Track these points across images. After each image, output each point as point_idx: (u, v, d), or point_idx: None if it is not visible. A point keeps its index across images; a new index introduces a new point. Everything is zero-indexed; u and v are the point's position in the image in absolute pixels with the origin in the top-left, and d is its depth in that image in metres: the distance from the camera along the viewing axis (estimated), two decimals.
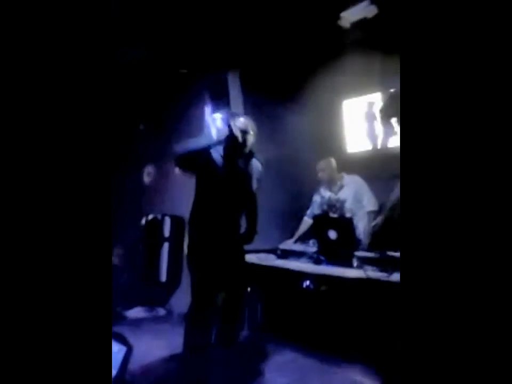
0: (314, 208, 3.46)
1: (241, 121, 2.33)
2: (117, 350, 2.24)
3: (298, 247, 3.16)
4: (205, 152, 2.28)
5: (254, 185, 2.42)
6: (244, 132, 2.29)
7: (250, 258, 3.33)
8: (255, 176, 2.43)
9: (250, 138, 2.32)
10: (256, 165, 2.45)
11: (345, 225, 2.79)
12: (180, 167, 2.42)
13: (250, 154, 2.40)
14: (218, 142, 2.32)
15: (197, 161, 2.29)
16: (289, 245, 3.29)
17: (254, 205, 2.52)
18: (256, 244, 3.82)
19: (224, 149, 2.32)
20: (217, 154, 2.31)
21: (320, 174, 3.32)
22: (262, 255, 3.32)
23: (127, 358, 2.21)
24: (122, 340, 2.39)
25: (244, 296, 2.55)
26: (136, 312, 3.66)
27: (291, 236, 3.48)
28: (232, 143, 2.28)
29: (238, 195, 2.36)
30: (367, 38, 3.29)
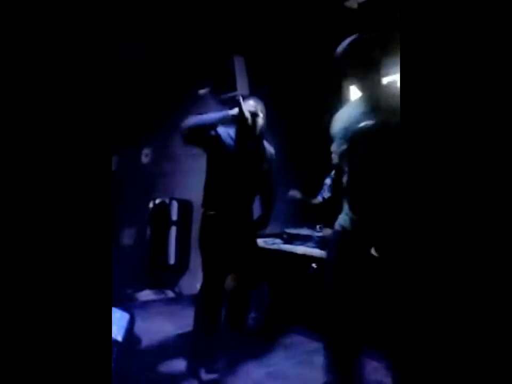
0: (325, 191, 3.46)
1: (250, 104, 2.28)
2: (120, 316, 2.55)
3: (305, 231, 3.18)
4: (215, 127, 2.24)
5: (265, 167, 2.40)
6: (254, 114, 2.25)
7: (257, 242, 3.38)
8: (267, 158, 2.41)
9: (260, 120, 2.29)
10: (268, 147, 2.43)
11: None
12: (188, 140, 2.28)
13: (261, 136, 2.37)
14: (229, 121, 2.26)
15: (207, 136, 2.22)
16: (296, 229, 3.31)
17: (269, 189, 2.50)
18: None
19: (236, 130, 2.29)
20: (227, 134, 2.27)
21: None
22: (269, 239, 3.36)
23: (131, 323, 2.46)
24: (124, 308, 2.69)
25: (255, 281, 2.57)
26: (146, 295, 3.74)
27: (298, 220, 3.50)
28: (242, 124, 2.24)
29: (249, 177, 2.32)
30: (375, 19, 3.23)
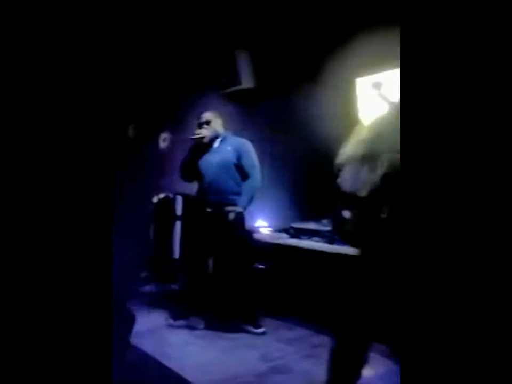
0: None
1: (202, 116, 2.89)
2: None
3: (312, 225, 3.15)
4: (194, 159, 2.88)
5: (234, 159, 2.79)
6: (205, 123, 2.86)
7: (263, 236, 3.36)
8: (237, 150, 2.80)
9: (214, 125, 2.86)
10: (236, 141, 2.85)
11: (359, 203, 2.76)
12: (185, 180, 2.99)
13: (224, 136, 2.90)
14: (197, 144, 2.88)
15: (193, 170, 2.89)
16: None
17: (248, 176, 2.82)
18: (269, 222, 3.85)
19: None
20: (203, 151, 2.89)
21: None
22: (275, 234, 3.33)
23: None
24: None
25: (237, 266, 2.82)
26: (150, 288, 3.74)
27: (305, 215, 3.48)
28: (199, 137, 2.86)
29: (221, 169, 2.78)
30: (382, 13, 3.18)
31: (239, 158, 2.79)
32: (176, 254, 3.95)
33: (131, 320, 2.03)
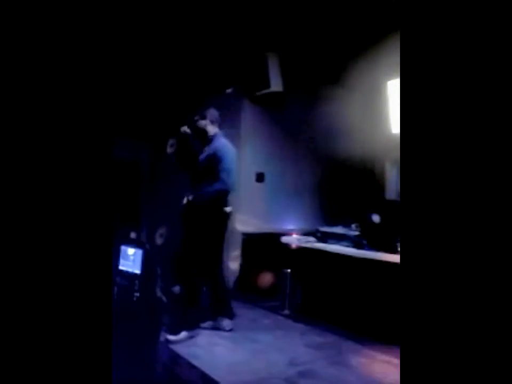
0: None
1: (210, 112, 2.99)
2: (134, 252, 3.27)
3: (340, 229, 3.13)
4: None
5: (205, 161, 2.89)
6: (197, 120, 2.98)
7: (290, 240, 3.36)
8: (215, 152, 2.86)
9: (202, 122, 2.95)
10: (217, 145, 2.90)
11: (390, 208, 2.73)
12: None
13: (214, 136, 2.97)
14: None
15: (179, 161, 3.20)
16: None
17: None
18: (296, 225, 3.85)
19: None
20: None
21: None
22: (302, 237, 3.33)
23: (145, 256, 3.12)
24: (138, 244, 3.41)
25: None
26: (179, 289, 3.78)
27: (333, 219, 3.47)
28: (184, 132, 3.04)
29: (202, 170, 2.91)
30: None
31: (218, 160, 2.85)
32: None
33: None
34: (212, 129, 2.98)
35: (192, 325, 2.79)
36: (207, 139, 2.97)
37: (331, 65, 3.76)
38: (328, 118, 3.65)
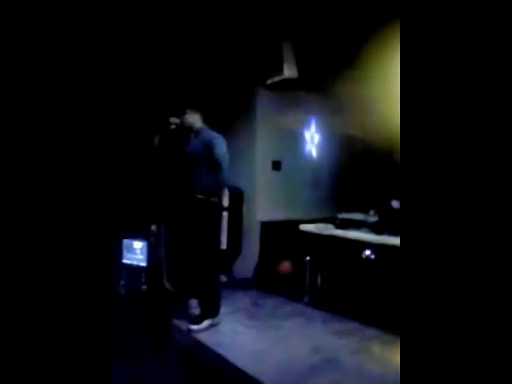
0: None
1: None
2: (141, 246, 3.42)
3: (358, 216, 3.12)
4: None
5: (200, 150, 2.87)
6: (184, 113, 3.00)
7: (308, 227, 3.36)
8: (205, 145, 2.86)
9: (188, 120, 2.98)
10: (207, 136, 2.91)
11: None
12: None
13: (198, 130, 2.99)
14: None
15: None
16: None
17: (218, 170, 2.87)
18: (315, 213, 3.84)
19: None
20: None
21: None
22: (321, 225, 3.33)
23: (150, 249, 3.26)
24: (143, 237, 3.46)
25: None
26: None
27: (351, 205, 3.45)
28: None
29: (194, 160, 2.91)
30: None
31: (208, 150, 2.86)
32: (224, 245, 4.03)
33: None
34: (197, 121, 3.03)
35: (214, 313, 2.82)
36: (193, 131, 3.01)
37: (344, 47, 3.68)
38: (344, 103, 3.61)
